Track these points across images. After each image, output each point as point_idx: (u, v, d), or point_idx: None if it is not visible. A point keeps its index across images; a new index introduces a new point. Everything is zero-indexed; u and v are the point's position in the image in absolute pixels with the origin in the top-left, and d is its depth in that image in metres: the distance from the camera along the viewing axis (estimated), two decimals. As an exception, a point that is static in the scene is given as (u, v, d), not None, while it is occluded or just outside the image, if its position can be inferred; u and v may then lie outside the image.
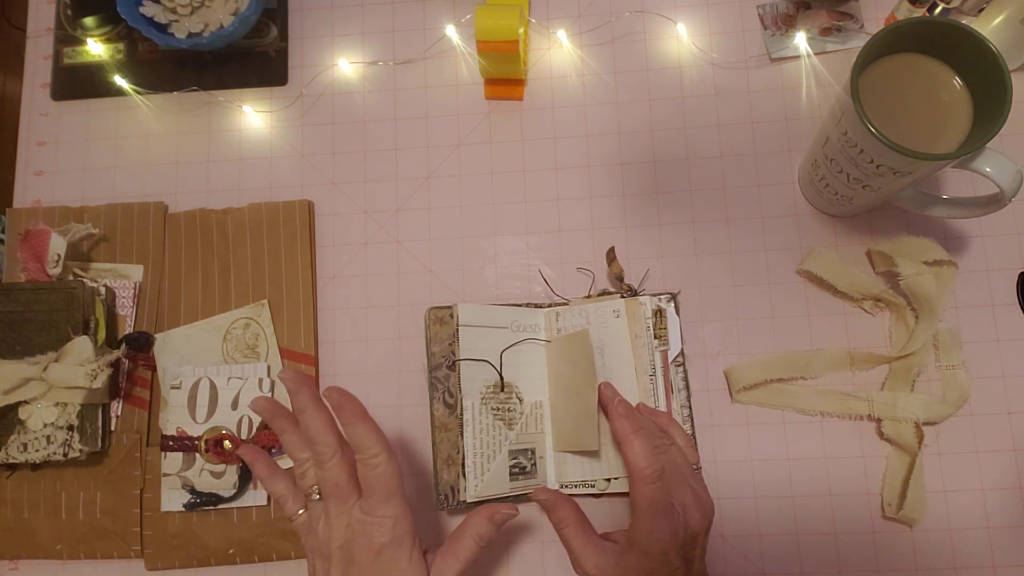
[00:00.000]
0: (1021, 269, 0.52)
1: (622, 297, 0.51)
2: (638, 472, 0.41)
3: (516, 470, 0.49)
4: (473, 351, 0.50)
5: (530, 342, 0.52)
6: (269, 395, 0.52)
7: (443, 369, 0.50)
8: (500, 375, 0.50)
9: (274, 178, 0.58)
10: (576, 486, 0.50)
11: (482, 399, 0.49)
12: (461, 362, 0.49)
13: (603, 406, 0.47)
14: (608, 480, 0.49)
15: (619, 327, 0.50)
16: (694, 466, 0.47)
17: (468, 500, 0.48)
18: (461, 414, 0.49)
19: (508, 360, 0.51)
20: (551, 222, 0.56)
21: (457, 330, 0.50)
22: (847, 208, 0.52)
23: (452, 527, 0.52)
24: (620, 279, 0.52)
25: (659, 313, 0.51)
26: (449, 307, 0.51)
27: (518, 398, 0.50)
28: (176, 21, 0.58)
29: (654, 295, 0.51)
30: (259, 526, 0.52)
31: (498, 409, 0.50)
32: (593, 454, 0.49)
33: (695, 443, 0.50)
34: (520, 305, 0.53)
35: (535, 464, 0.50)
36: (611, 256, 0.52)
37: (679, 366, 0.51)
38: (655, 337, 0.50)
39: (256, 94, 0.60)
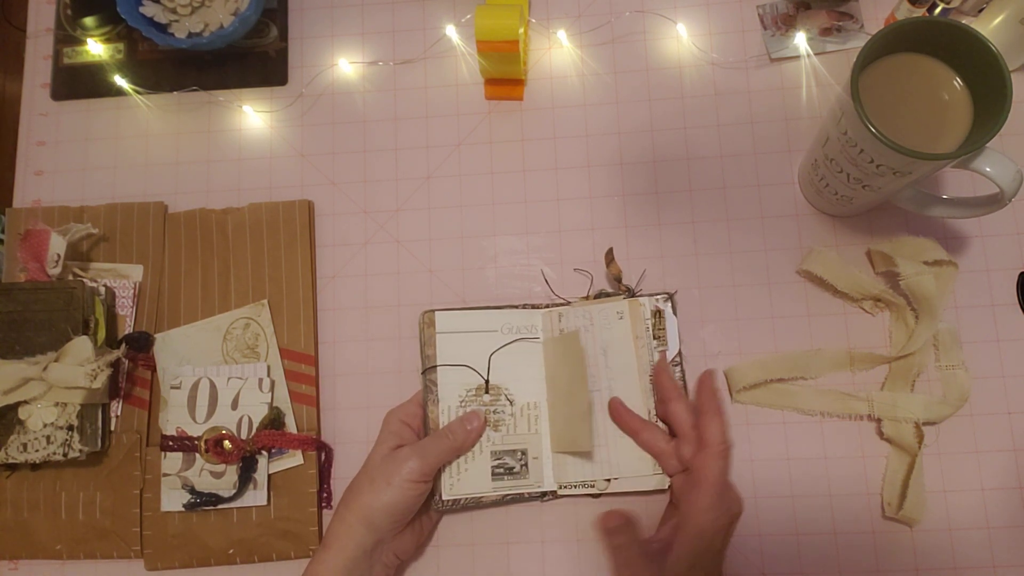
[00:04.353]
0: (1021, 269, 0.52)
1: (622, 298, 0.51)
2: (714, 445, 0.43)
3: (501, 470, 0.49)
4: (456, 356, 0.50)
5: (526, 344, 0.51)
6: (269, 396, 0.52)
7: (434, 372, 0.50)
8: (486, 379, 0.50)
9: (274, 178, 0.58)
10: (576, 487, 0.50)
11: (460, 402, 0.50)
12: (439, 367, 0.50)
13: (660, 391, 0.48)
14: (608, 480, 0.49)
15: (622, 328, 0.50)
16: None
17: (444, 497, 0.48)
18: (438, 418, 0.49)
19: (501, 362, 0.51)
20: (551, 222, 0.56)
21: (434, 337, 0.50)
22: (847, 208, 0.52)
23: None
24: (618, 280, 0.52)
25: (658, 314, 0.51)
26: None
27: (508, 400, 0.50)
28: (176, 21, 0.58)
29: (651, 295, 0.51)
30: (259, 526, 0.52)
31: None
32: (589, 454, 0.49)
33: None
34: (517, 307, 0.53)
35: (526, 465, 0.50)
36: (609, 257, 0.52)
37: (677, 366, 0.51)
38: (654, 338, 0.50)
39: (256, 94, 0.60)
